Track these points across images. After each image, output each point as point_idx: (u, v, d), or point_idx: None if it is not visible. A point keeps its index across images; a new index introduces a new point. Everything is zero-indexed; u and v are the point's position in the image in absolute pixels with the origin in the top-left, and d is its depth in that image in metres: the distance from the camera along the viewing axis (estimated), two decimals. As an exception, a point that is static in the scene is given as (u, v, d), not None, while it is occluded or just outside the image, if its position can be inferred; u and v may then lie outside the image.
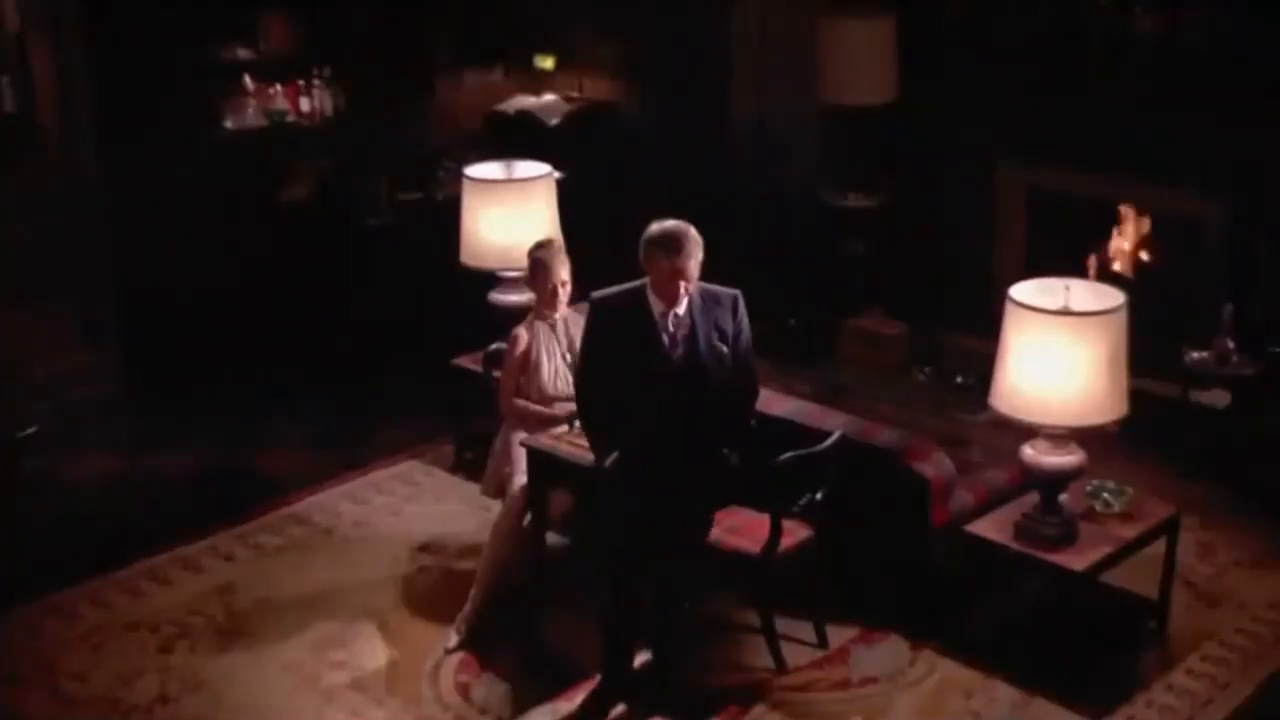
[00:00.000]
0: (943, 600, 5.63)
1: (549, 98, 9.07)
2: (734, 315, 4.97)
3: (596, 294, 5.01)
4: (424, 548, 6.38)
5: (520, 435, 5.80)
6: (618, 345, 4.93)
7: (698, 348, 4.90)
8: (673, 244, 4.83)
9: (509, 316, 6.47)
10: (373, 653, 5.62)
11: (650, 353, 4.89)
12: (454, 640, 5.63)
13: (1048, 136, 7.64)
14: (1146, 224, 7.66)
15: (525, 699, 5.31)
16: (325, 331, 7.97)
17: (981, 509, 5.64)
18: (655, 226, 4.91)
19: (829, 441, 5.37)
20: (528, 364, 5.92)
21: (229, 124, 8.20)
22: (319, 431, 7.47)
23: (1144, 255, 7.68)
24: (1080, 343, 5.03)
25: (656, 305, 4.90)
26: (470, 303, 6.84)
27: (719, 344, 4.93)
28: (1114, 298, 5.17)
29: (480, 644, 5.61)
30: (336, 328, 7.98)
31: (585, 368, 5.08)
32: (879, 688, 5.38)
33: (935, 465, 5.60)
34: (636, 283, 4.95)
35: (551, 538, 5.97)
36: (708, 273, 4.91)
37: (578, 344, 5.93)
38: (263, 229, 8.15)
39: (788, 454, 5.27)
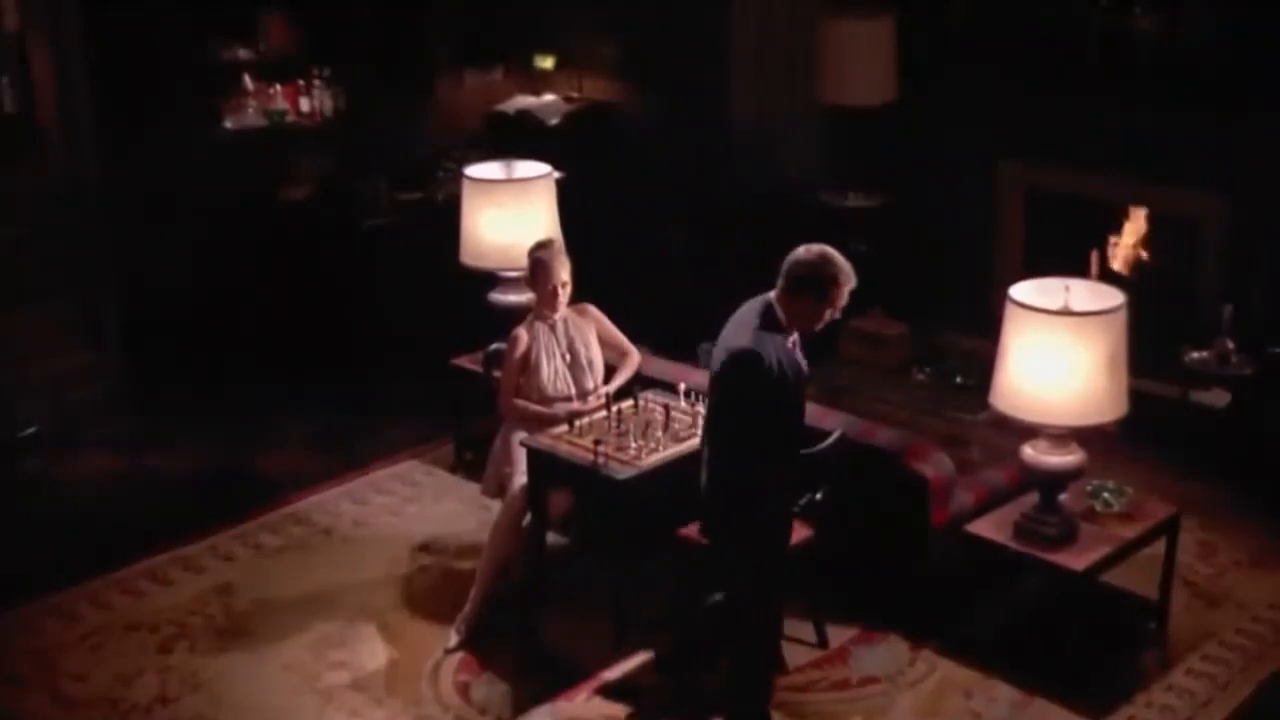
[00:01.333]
0: (943, 600, 5.63)
1: (549, 98, 9.07)
2: None
3: (750, 345, 4.58)
4: (424, 548, 6.38)
5: (520, 435, 5.80)
6: (783, 385, 4.65)
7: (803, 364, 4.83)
8: (851, 276, 4.70)
9: (509, 316, 6.47)
10: (373, 653, 5.62)
11: (798, 381, 4.73)
12: (454, 640, 5.63)
13: (1048, 136, 7.65)
14: (1146, 224, 7.67)
15: (525, 699, 5.32)
16: (325, 331, 7.97)
17: (981, 509, 5.64)
18: (835, 257, 4.67)
19: (829, 441, 5.36)
20: (527, 364, 5.92)
21: (229, 124, 8.21)
22: (319, 431, 7.48)
23: (1144, 255, 7.68)
24: (1080, 343, 5.02)
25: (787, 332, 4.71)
26: (470, 303, 6.84)
27: None
28: (1114, 298, 5.17)
29: (480, 644, 5.61)
30: (337, 328, 7.98)
31: (762, 427, 4.65)
32: (879, 688, 5.38)
33: (935, 465, 5.60)
34: (764, 315, 4.66)
35: (551, 538, 5.97)
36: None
37: (577, 344, 5.96)
38: (263, 229, 8.16)
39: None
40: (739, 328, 4.70)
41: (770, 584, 4.96)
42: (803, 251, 4.73)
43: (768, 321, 4.67)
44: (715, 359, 4.76)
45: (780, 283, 4.72)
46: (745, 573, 4.87)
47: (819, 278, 4.68)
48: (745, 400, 4.65)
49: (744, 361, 4.60)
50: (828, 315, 4.75)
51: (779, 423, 4.71)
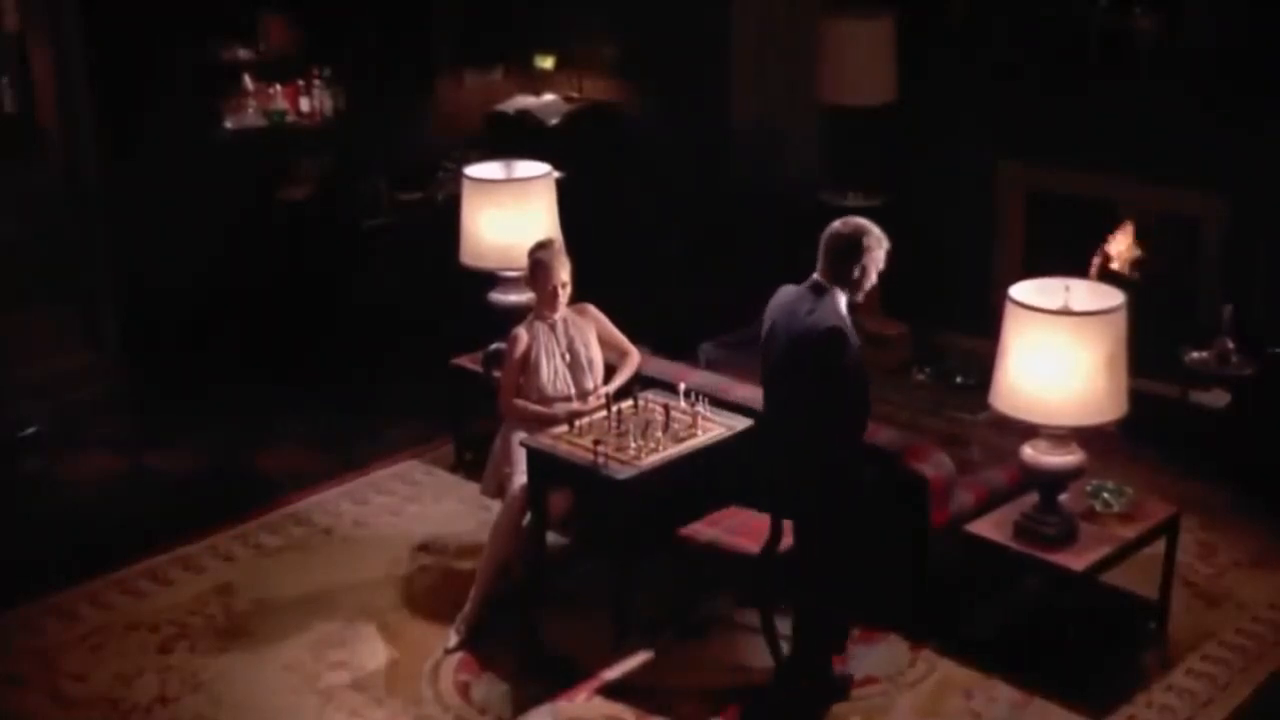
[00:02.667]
0: (943, 600, 5.63)
1: (549, 98, 9.07)
2: None
3: (836, 323, 4.85)
4: (424, 548, 6.38)
5: (520, 435, 5.80)
6: (859, 355, 4.96)
7: None
8: (884, 239, 4.96)
9: (509, 316, 6.47)
10: (373, 653, 5.62)
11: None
12: (454, 640, 5.63)
13: (1048, 136, 7.65)
14: (1146, 224, 7.66)
15: (525, 699, 5.31)
16: (325, 331, 7.97)
17: (981, 509, 5.64)
18: (867, 225, 4.93)
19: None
20: (527, 364, 5.91)
21: (229, 124, 8.21)
22: (319, 431, 7.48)
23: (1144, 255, 7.68)
24: (1080, 343, 5.02)
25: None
26: (470, 303, 6.84)
27: None
28: (1114, 298, 5.17)
29: (480, 644, 5.61)
30: (336, 328, 7.98)
31: (865, 396, 4.99)
32: (879, 688, 5.38)
33: (935, 465, 5.60)
34: (819, 291, 4.90)
35: (551, 538, 5.97)
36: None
37: (577, 344, 5.96)
38: (263, 229, 8.16)
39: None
40: (813, 306, 4.87)
41: (849, 554, 5.11)
42: (838, 224, 4.97)
43: (827, 297, 4.88)
44: (783, 338, 4.94)
45: (821, 261, 4.93)
46: (836, 543, 5.02)
47: (853, 246, 4.90)
48: (844, 373, 4.89)
49: (837, 337, 4.83)
50: (869, 283, 4.96)
51: (865, 390, 4.97)
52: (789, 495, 5.06)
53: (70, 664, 5.59)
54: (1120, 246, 7.68)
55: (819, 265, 4.96)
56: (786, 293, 5.03)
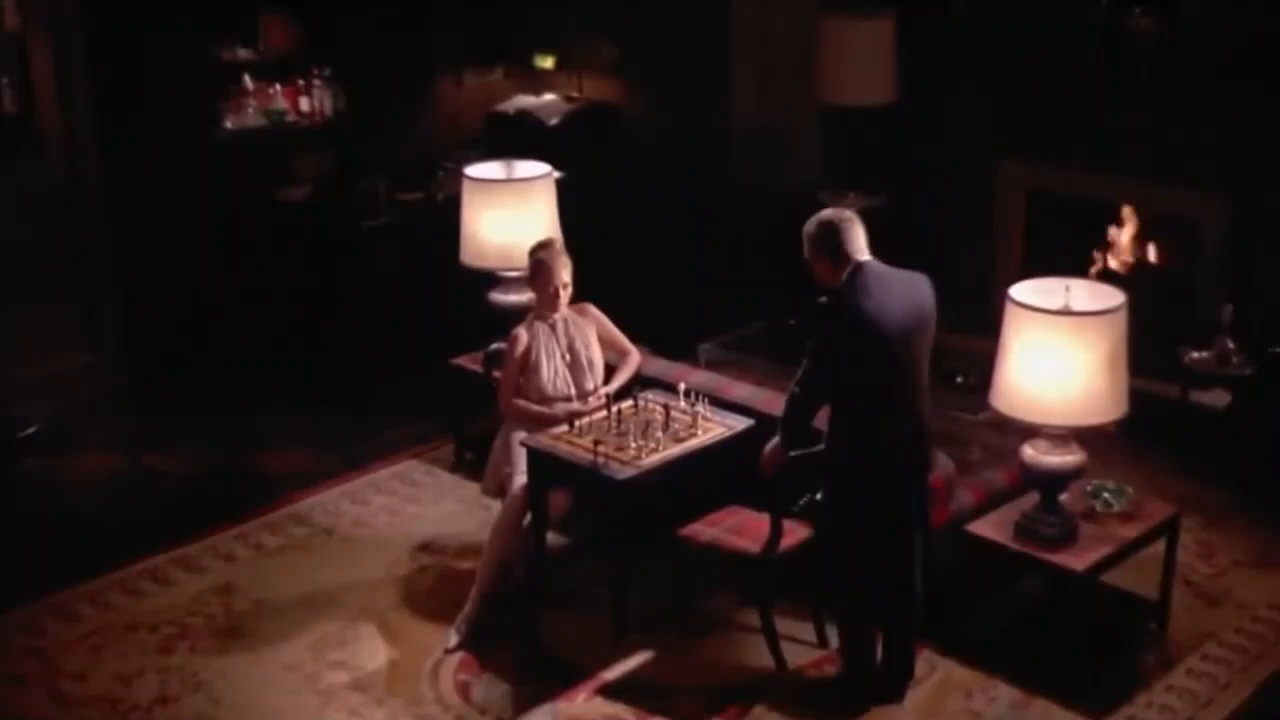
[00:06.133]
0: (943, 600, 5.63)
1: (549, 98, 9.07)
2: None
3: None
4: (424, 548, 6.38)
5: (520, 435, 5.80)
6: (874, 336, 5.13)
7: None
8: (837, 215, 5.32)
9: (509, 316, 6.47)
10: (373, 653, 5.62)
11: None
12: (454, 640, 5.63)
13: (1048, 136, 7.65)
14: (1146, 224, 7.66)
15: (525, 699, 5.32)
16: (325, 331, 7.96)
17: (981, 509, 5.64)
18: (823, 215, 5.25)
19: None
20: (527, 364, 5.92)
21: (229, 124, 8.20)
22: (319, 431, 7.47)
23: (1144, 255, 7.68)
24: (1080, 343, 5.02)
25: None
26: (470, 303, 6.84)
27: None
28: (1114, 298, 5.17)
29: (480, 644, 5.61)
30: (336, 327, 7.98)
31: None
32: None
33: (935, 465, 5.59)
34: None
35: (551, 538, 5.98)
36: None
37: (577, 345, 5.96)
38: (263, 229, 8.16)
39: (787, 454, 5.27)
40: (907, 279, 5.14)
41: None
42: (844, 214, 5.33)
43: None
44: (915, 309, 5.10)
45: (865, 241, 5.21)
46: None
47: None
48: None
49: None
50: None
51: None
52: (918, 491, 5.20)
53: (70, 664, 5.59)
54: (1121, 246, 7.69)
55: (865, 245, 5.19)
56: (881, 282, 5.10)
